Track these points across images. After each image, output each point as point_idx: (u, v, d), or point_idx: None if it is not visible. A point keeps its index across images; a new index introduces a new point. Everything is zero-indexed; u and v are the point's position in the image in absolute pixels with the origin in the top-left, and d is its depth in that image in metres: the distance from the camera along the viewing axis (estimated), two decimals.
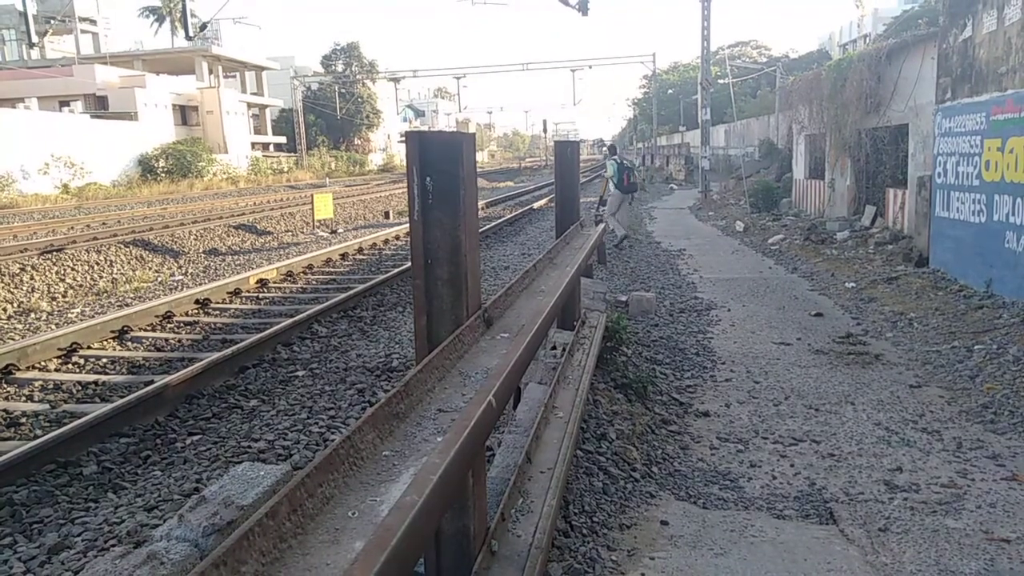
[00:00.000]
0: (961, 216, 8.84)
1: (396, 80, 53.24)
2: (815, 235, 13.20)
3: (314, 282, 10.18)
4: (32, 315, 8.46)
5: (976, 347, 6.36)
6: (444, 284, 2.31)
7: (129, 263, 11.89)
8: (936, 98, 9.80)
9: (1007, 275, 7.69)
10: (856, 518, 3.62)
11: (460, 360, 2.19)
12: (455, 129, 58.95)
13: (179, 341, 6.99)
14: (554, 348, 4.39)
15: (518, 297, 3.27)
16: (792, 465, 4.35)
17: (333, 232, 16.41)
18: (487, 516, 2.33)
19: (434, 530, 1.34)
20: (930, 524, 3.54)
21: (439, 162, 2.25)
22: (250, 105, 50.66)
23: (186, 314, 7.97)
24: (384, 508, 1.25)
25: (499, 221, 16.53)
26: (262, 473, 2.62)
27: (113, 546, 3.17)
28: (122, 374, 6.00)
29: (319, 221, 16.82)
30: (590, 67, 46.54)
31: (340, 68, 57.40)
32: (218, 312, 8.23)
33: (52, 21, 43.91)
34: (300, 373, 5.92)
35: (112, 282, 10.59)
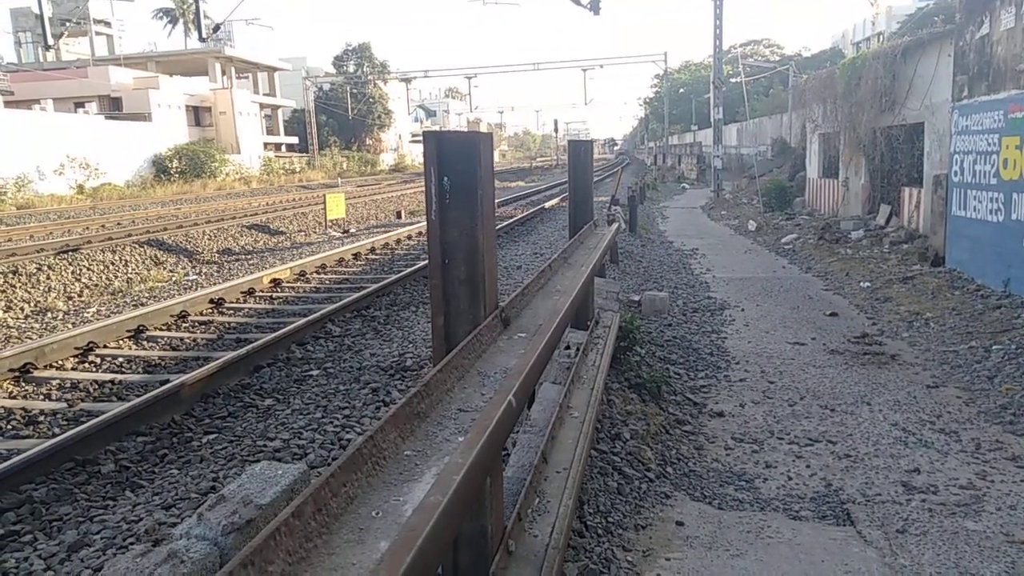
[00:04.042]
0: (978, 215, 8.75)
1: (407, 80, 53.35)
2: (829, 234, 13.11)
3: (327, 282, 10.22)
4: (49, 314, 8.54)
5: (994, 347, 6.30)
6: (462, 284, 2.31)
7: (144, 263, 11.98)
8: (952, 96, 9.71)
9: None
10: (874, 519, 3.60)
11: (479, 360, 2.19)
12: (466, 129, 58.95)
13: (194, 340, 7.04)
14: (568, 348, 4.39)
15: (534, 297, 3.27)
16: (808, 466, 4.32)
17: (345, 232, 16.46)
18: (504, 516, 2.33)
19: (457, 530, 1.34)
20: (949, 526, 3.50)
21: (457, 162, 2.25)
22: (262, 106, 50.90)
23: (201, 313, 8.02)
24: (408, 508, 1.25)
25: (511, 221, 16.52)
26: (280, 472, 2.63)
27: (132, 544, 3.19)
28: (138, 373, 6.05)
29: (331, 221, 16.88)
30: (601, 66, 46.50)
31: (352, 69, 57.56)
32: (232, 312, 8.28)
33: (67, 23, 44.32)
34: (314, 372, 5.94)
35: (127, 282, 10.68)
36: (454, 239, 2.27)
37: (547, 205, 20.99)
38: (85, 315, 8.37)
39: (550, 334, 2.36)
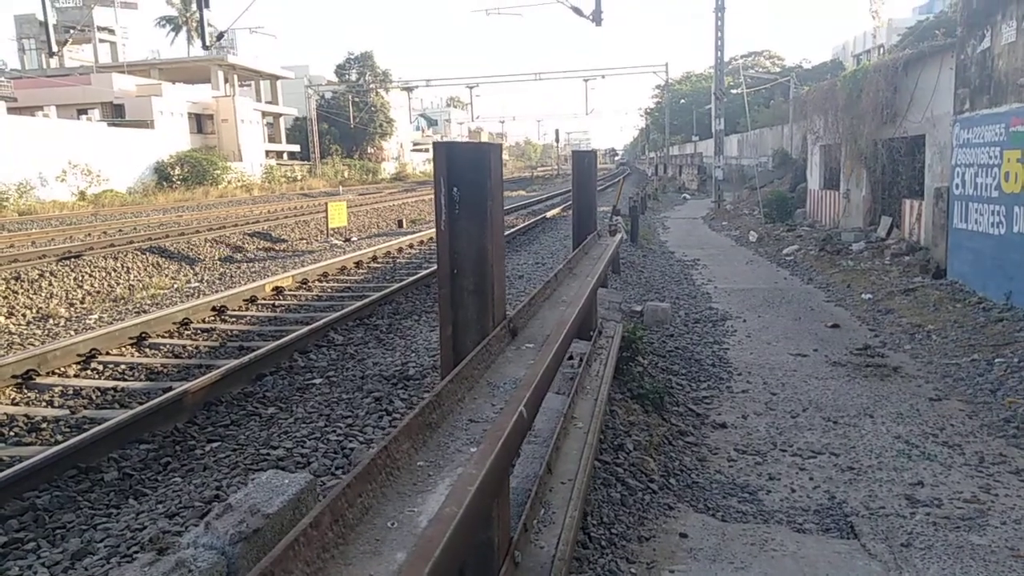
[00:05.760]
0: (980, 228, 8.77)
1: (409, 89, 53.57)
2: (830, 246, 13.12)
3: (329, 290, 10.22)
4: (51, 321, 8.55)
5: (996, 360, 6.30)
6: (470, 294, 2.31)
7: (146, 270, 11.98)
8: (954, 109, 9.74)
9: None
10: (878, 533, 3.59)
11: (488, 370, 2.19)
12: (467, 138, 59.10)
13: (197, 348, 7.03)
14: (571, 358, 4.39)
15: (541, 307, 3.27)
16: (811, 478, 4.32)
17: (347, 240, 16.48)
18: (510, 527, 2.33)
19: (472, 541, 1.34)
20: (954, 540, 3.50)
21: (466, 172, 2.26)
22: (264, 114, 51.06)
23: (203, 321, 8.02)
24: (423, 519, 1.25)
25: (512, 230, 16.54)
26: (286, 481, 2.63)
27: (135, 552, 3.19)
28: (141, 380, 6.04)
29: (333, 229, 16.90)
30: (603, 77, 46.70)
31: (354, 77, 57.81)
32: (235, 319, 8.28)
33: (71, 30, 44.47)
34: (317, 381, 5.94)
35: (129, 289, 10.68)
36: (463, 249, 2.28)
37: (549, 215, 21.02)
38: (87, 322, 8.37)
39: (558, 345, 2.36)
